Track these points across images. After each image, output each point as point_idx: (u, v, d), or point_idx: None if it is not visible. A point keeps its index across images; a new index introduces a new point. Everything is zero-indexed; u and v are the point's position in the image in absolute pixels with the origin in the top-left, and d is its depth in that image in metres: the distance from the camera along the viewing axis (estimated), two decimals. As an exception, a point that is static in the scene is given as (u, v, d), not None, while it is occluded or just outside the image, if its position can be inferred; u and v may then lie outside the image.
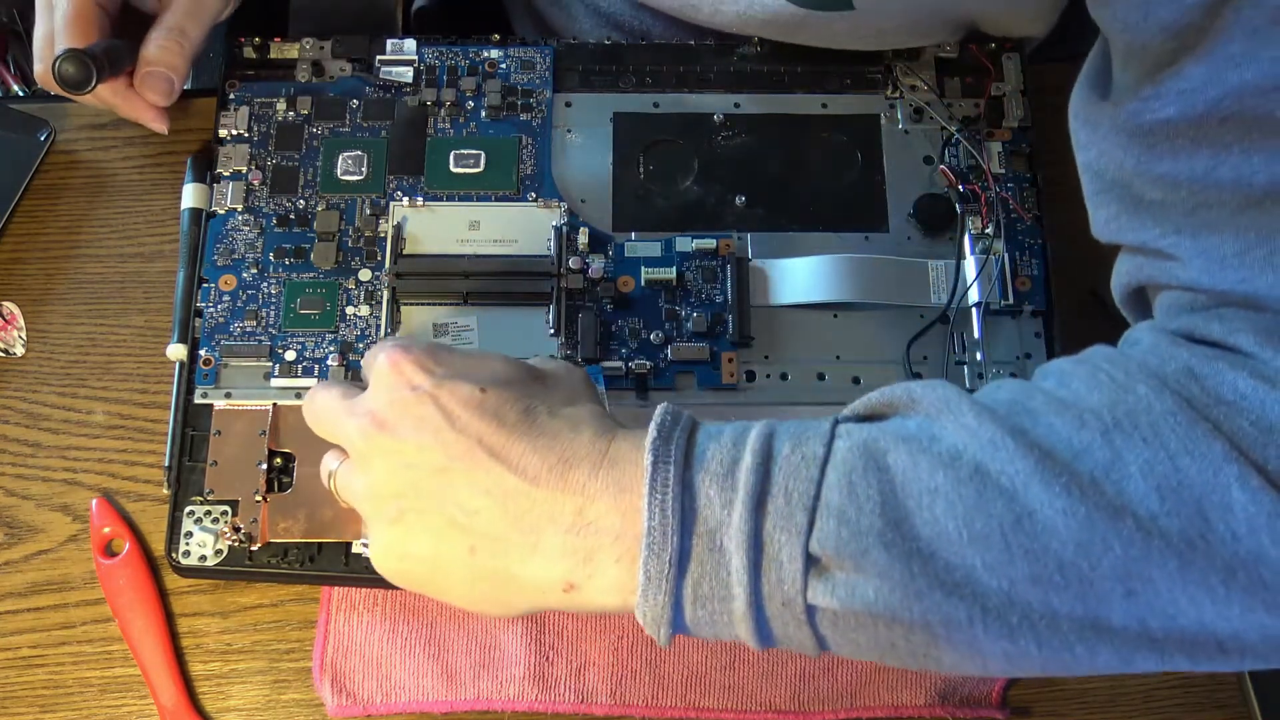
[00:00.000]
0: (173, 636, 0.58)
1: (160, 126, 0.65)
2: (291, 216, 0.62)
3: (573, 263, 0.60)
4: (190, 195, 0.63)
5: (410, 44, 0.65)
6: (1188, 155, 0.43)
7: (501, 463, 0.43)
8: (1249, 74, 0.40)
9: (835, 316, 0.60)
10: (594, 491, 0.43)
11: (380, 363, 0.46)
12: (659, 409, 0.44)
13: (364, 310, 0.60)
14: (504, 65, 0.65)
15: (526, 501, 0.43)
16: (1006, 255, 0.61)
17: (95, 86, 0.58)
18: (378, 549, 0.46)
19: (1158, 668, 0.40)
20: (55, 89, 0.59)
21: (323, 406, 0.49)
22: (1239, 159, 0.41)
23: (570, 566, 0.43)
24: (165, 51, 0.61)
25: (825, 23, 0.57)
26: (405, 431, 0.44)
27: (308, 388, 0.58)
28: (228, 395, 0.58)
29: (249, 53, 0.65)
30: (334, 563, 0.56)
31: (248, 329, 0.60)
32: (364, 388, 0.49)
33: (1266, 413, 0.39)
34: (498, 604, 0.45)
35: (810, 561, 0.40)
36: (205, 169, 0.64)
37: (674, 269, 0.60)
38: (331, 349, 0.59)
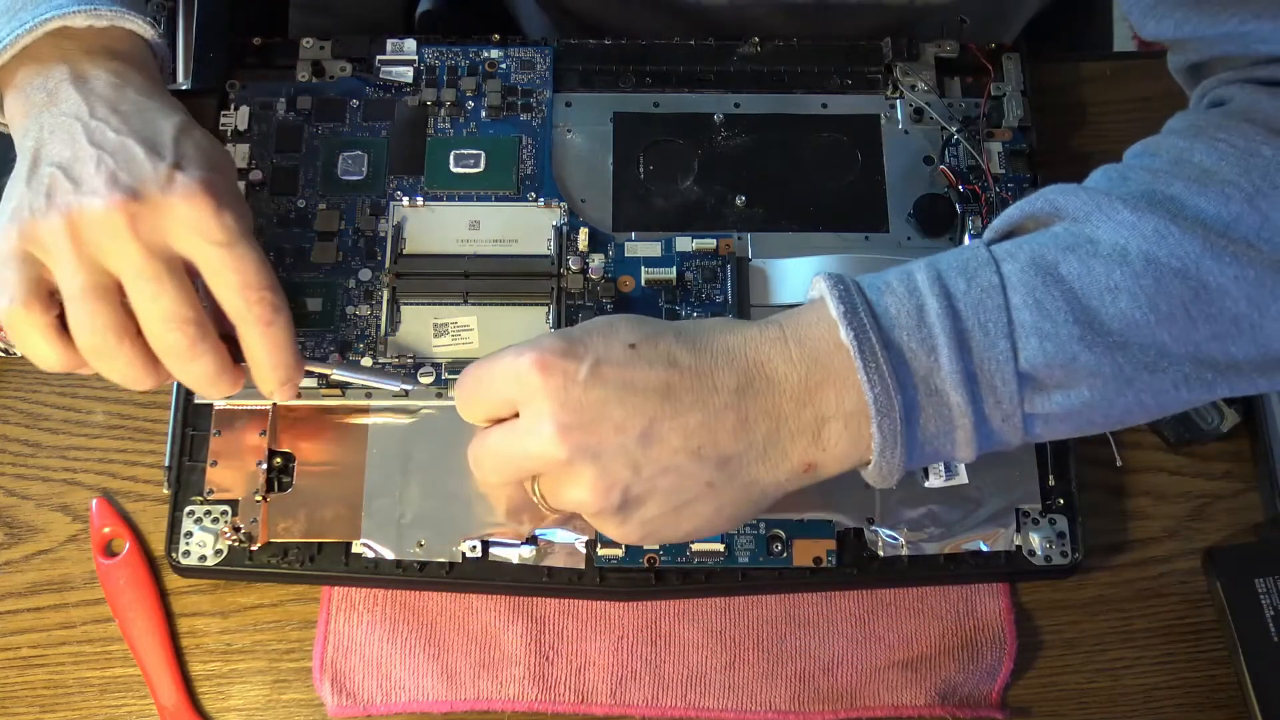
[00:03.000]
0: (173, 636, 0.58)
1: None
2: (291, 216, 0.62)
3: (573, 263, 0.60)
4: (190, 195, 0.63)
5: (410, 44, 0.65)
6: None
7: (696, 393, 0.45)
8: None
9: (835, 316, 0.60)
10: (798, 377, 0.45)
11: (529, 374, 0.45)
12: (821, 281, 0.46)
13: (364, 310, 0.60)
14: (504, 65, 0.65)
15: (738, 416, 0.45)
16: (1006, 255, 0.61)
17: None
18: (620, 534, 0.47)
19: None
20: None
21: (498, 453, 0.48)
22: None
23: (803, 449, 0.46)
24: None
25: None
26: (596, 422, 0.45)
27: (307, 388, 0.58)
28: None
29: (249, 53, 0.65)
30: (334, 563, 0.56)
31: (248, 329, 0.59)
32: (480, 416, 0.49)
33: None
34: (748, 514, 0.48)
35: (1022, 380, 0.44)
36: (205, 169, 0.63)
37: (674, 269, 0.60)
38: (331, 349, 0.59)
